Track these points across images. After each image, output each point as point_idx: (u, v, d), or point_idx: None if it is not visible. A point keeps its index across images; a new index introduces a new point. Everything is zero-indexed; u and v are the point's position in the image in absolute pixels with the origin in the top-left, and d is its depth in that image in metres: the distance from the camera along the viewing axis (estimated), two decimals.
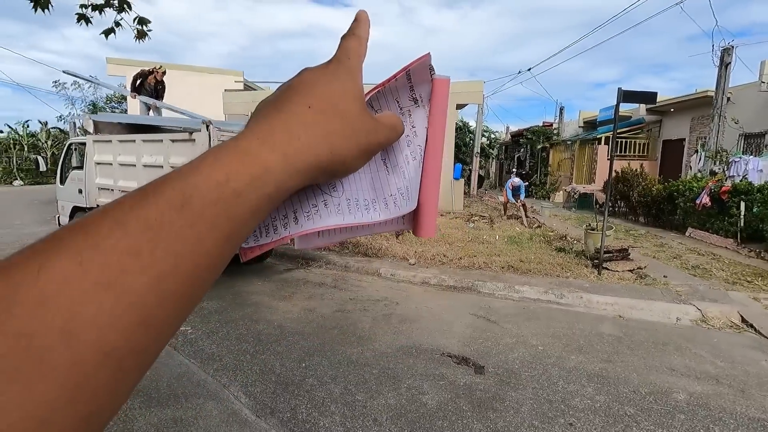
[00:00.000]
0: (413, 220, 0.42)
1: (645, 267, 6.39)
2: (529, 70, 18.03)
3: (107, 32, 4.17)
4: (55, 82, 30.06)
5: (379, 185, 0.38)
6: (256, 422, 2.73)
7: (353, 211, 0.37)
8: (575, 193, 13.62)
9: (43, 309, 0.18)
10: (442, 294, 5.61)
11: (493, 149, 21.08)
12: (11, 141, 23.24)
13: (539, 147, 17.90)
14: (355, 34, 0.33)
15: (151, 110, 7.92)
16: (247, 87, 18.26)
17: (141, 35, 4.25)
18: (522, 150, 21.02)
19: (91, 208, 6.93)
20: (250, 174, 0.25)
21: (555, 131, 18.25)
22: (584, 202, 13.75)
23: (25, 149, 23.28)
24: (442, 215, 10.82)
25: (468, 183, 15.65)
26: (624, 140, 14.25)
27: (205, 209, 0.23)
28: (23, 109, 69.76)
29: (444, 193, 11.92)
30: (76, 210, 7.42)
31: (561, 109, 18.04)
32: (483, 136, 18.04)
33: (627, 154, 14.42)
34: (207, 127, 4.96)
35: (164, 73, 8.34)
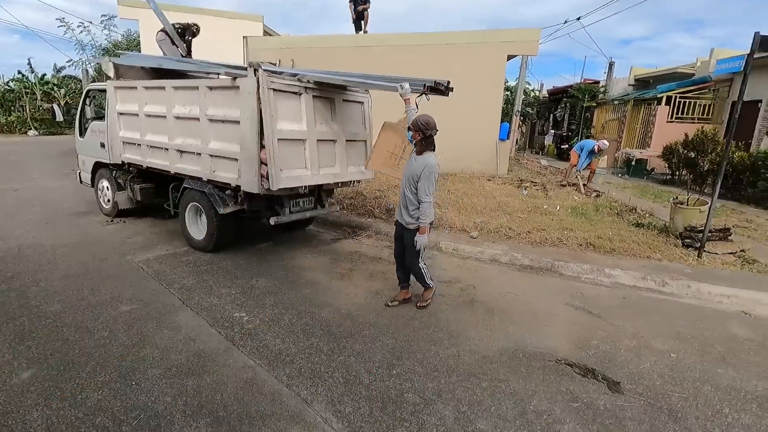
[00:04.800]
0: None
1: (748, 249, 5.55)
2: (579, 19, 16.32)
3: None
4: (60, 19, 29.12)
5: None
6: None
7: None
8: (631, 159, 12.49)
9: None
10: (520, 276, 4.87)
11: (532, 108, 19.61)
12: (23, 89, 22.37)
13: (584, 106, 16.44)
14: None
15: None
16: (266, 33, 16.91)
17: None
18: (560, 109, 19.55)
19: (116, 165, 6.20)
20: None
21: (602, 89, 16.71)
22: (636, 168, 12.66)
23: (38, 98, 22.44)
24: (489, 180, 9.91)
25: None
26: (685, 101, 12.86)
27: None
28: (33, 56, 67.82)
29: (488, 154, 10.93)
30: (98, 165, 6.71)
31: (610, 65, 16.36)
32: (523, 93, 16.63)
33: (685, 116, 13.08)
34: (255, 71, 4.07)
35: (198, 32, 7.29)
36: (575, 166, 9.89)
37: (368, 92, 5.38)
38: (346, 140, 5.10)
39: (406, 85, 3.70)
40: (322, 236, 6.17)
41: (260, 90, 4.06)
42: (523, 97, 17.89)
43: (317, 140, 4.71)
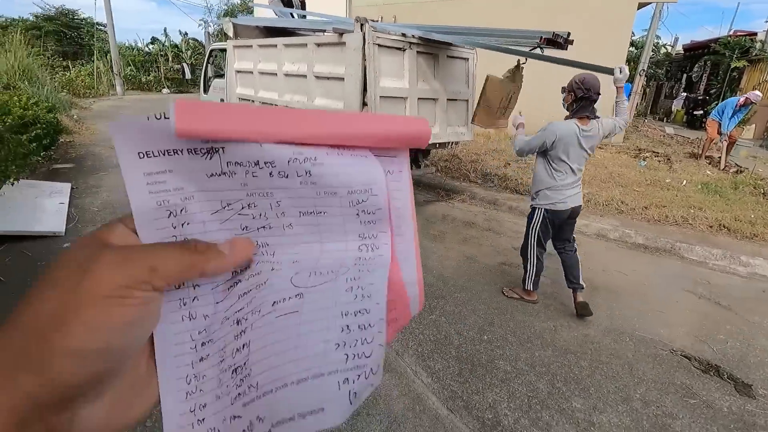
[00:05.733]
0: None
1: None
2: None
3: None
4: None
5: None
6: (450, 420, 2.11)
7: None
8: None
9: None
10: (631, 255, 4.40)
11: (661, 67, 16.89)
12: (158, 52, 25.33)
13: (731, 64, 13.66)
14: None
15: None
16: None
17: None
18: (697, 69, 16.58)
19: None
20: None
21: (759, 43, 13.66)
22: None
23: (170, 59, 25.27)
24: (600, 148, 8.95)
25: None
26: None
27: None
28: (166, 22, 75.72)
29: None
30: None
31: None
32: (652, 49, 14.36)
33: None
34: (361, 26, 4.05)
35: None
36: (714, 140, 8.32)
37: (475, 51, 5.06)
38: (447, 99, 4.91)
39: (625, 69, 2.81)
40: (416, 197, 6.12)
41: (366, 45, 4.04)
42: (651, 54, 15.51)
43: (418, 98, 4.61)
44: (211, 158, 0.25)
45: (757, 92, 7.99)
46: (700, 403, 2.32)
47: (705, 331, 3.03)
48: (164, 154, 0.25)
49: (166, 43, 25.86)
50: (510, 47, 3.82)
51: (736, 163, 8.18)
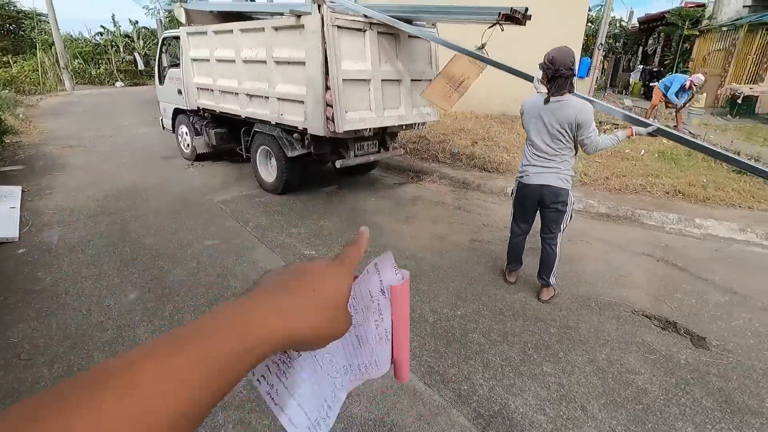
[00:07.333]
0: (394, 369, 0.49)
1: None
2: None
3: None
4: None
5: (352, 355, 0.47)
6: (428, 394, 2.17)
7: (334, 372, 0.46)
8: (737, 96, 10.81)
9: None
10: (594, 224, 4.58)
11: (617, 41, 17.30)
12: (109, 43, 23.94)
13: (683, 34, 14.13)
14: (357, 245, 0.43)
15: None
16: None
17: None
18: (652, 41, 17.10)
19: (193, 111, 6.53)
20: (259, 336, 0.31)
21: (708, 13, 14.20)
22: (743, 107, 10.98)
23: (121, 50, 23.95)
24: None
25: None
26: None
27: (223, 367, 0.28)
28: (116, 10, 71.44)
29: None
30: (177, 112, 7.11)
31: None
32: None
33: None
34: (319, 7, 3.94)
35: None
36: (656, 106, 8.86)
37: (435, 26, 5.04)
38: (411, 80, 4.89)
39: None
40: (386, 180, 6.18)
41: (324, 27, 3.95)
42: (608, 28, 15.86)
43: (382, 80, 4.57)
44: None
45: (701, 76, 8.51)
46: (660, 357, 2.47)
47: (663, 291, 3.21)
48: (382, 293, 0.44)
49: (116, 33, 24.44)
50: (455, 45, 3.88)
51: (690, 131, 8.57)
